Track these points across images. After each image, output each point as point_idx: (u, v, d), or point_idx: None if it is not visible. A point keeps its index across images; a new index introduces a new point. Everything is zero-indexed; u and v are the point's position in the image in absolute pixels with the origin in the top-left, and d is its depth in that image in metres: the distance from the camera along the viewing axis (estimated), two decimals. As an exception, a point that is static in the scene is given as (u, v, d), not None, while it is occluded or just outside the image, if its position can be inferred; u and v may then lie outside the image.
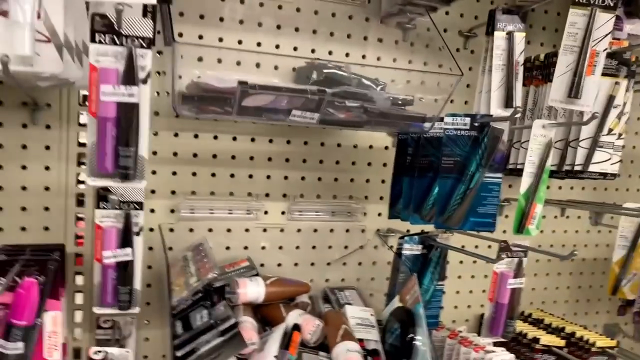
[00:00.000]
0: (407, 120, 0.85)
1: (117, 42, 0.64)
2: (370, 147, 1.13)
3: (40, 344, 0.81)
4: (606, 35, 0.87)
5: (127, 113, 0.65)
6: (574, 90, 0.88)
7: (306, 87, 0.77)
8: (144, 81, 0.65)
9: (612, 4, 0.86)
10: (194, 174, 1.02)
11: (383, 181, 1.14)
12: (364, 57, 1.09)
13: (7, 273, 0.79)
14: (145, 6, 0.73)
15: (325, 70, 0.94)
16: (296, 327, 0.89)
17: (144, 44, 0.65)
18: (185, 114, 0.76)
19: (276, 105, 0.77)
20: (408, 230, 1.07)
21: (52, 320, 0.82)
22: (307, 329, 0.90)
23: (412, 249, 1.01)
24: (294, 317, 0.92)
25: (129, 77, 0.64)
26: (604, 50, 0.87)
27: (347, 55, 1.08)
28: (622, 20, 1.03)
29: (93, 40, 0.63)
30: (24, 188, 0.92)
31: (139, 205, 0.81)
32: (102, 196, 0.80)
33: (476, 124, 0.91)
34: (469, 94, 1.15)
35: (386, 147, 1.12)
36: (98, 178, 0.67)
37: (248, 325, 0.87)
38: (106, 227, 0.80)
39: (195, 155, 1.02)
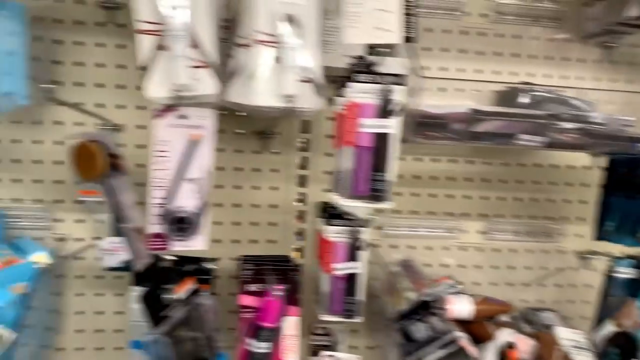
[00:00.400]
0: (632, 142, 0.84)
1: (374, 80, 0.72)
2: (570, 166, 1.12)
3: (279, 345, 0.92)
4: None
5: (382, 142, 0.73)
6: None
7: (536, 112, 0.80)
8: (396, 114, 0.73)
9: None
10: (398, 194, 1.09)
11: (584, 202, 1.12)
12: (565, 77, 1.09)
13: (259, 280, 0.90)
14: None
15: (533, 93, 0.97)
16: (511, 345, 0.91)
17: (397, 81, 0.72)
18: (415, 140, 0.82)
19: (506, 130, 0.81)
20: (611, 253, 1.04)
21: (292, 324, 0.92)
22: (522, 347, 0.91)
23: (625, 272, 0.98)
24: (506, 335, 0.94)
25: (384, 110, 0.72)
26: None
27: (548, 76, 1.09)
28: None
29: (354, 79, 0.72)
30: (255, 205, 1.05)
31: (364, 223, 0.89)
32: (333, 214, 0.89)
33: None
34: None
35: (587, 167, 1.11)
36: (352, 200, 0.76)
37: (466, 341, 0.90)
38: (336, 241, 0.89)
39: (400, 176, 1.08)
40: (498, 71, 1.07)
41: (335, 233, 0.89)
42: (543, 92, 0.97)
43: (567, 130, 0.84)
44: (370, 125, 0.73)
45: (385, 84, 0.72)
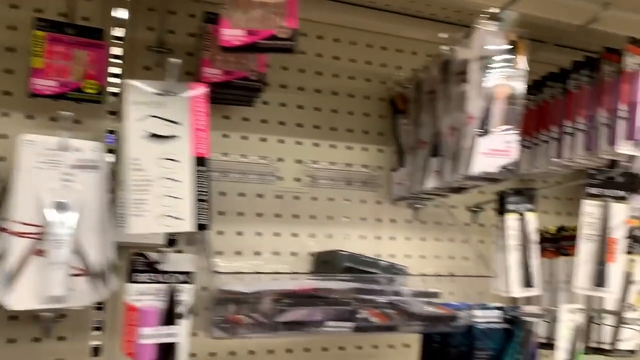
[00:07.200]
0: (440, 322, 0.84)
1: (157, 279, 0.63)
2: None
3: None
4: (622, 222, 0.90)
5: (166, 353, 0.62)
6: (598, 280, 0.88)
7: (337, 297, 0.76)
8: (185, 316, 0.63)
9: (624, 196, 0.90)
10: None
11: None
12: (379, 238, 1.10)
13: None
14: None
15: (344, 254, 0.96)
16: None
17: (185, 279, 0.64)
18: (219, 335, 0.73)
19: (311, 318, 0.75)
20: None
21: None
22: None
23: None
24: None
25: (170, 315, 0.62)
26: (623, 237, 0.90)
27: (362, 237, 1.09)
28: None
29: (133, 280, 0.62)
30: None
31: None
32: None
33: (507, 317, 0.90)
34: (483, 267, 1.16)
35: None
36: None
37: None
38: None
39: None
40: (314, 234, 1.05)
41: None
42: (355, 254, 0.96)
43: (374, 306, 0.81)
44: (152, 335, 0.62)
45: (170, 284, 0.63)
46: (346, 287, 0.84)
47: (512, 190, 1.04)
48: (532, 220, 1.03)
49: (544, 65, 1.14)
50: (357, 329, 0.78)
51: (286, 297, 0.77)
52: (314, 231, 1.05)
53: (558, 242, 1.11)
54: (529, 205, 1.04)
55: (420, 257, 1.15)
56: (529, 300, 1.07)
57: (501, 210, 1.03)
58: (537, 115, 1.14)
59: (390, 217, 1.12)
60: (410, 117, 1.06)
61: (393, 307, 0.84)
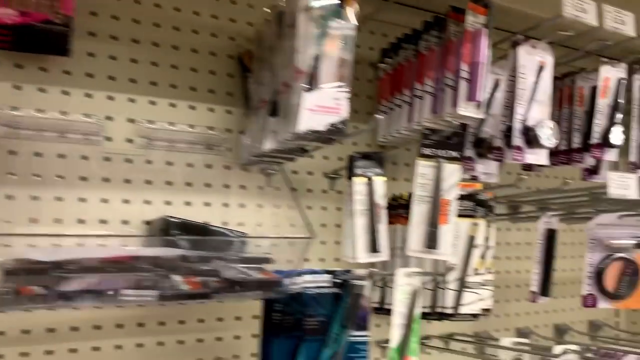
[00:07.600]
0: (261, 289, 0.79)
1: None
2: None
3: None
4: (455, 184, 0.88)
5: None
6: (430, 242, 0.87)
7: (138, 264, 0.69)
8: None
9: (456, 155, 0.88)
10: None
11: (255, 335, 1.05)
12: (226, 205, 1.04)
13: None
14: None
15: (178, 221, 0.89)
16: None
17: None
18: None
19: (104, 286, 0.68)
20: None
21: None
22: None
23: None
24: None
25: None
26: (455, 199, 0.88)
27: (207, 204, 1.02)
28: (473, 160, 1.07)
29: None
30: None
31: None
32: None
33: (337, 281, 0.87)
34: (339, 234, 1.13)
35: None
36: None
37: None
38: None
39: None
40: (149, 200, 0.97)
41: None
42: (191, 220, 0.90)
43: (193, 274, 0.75)
44: None
45: None
46: (166, 254, 0.78)
47: (360, 154, 1.00)
48: (380, 185, 1.00)
49: (401, 28, 1.11)
50: (163, 297, 0.72)
51: (83, 264, 0.69)
52: (150, 198, 0.97)
53: (412, 209, 1.08)
54: (377, 170, 1.00)
55: (274, 226, 1.09)
56: (384, 266, 1.05)
57: (350, 175, 1.00)
58: (393, 79, 1.11)
59: (239, 184, 1.06)
60: (255, 76, 0.99)
61: (214, 275, 0.78)
